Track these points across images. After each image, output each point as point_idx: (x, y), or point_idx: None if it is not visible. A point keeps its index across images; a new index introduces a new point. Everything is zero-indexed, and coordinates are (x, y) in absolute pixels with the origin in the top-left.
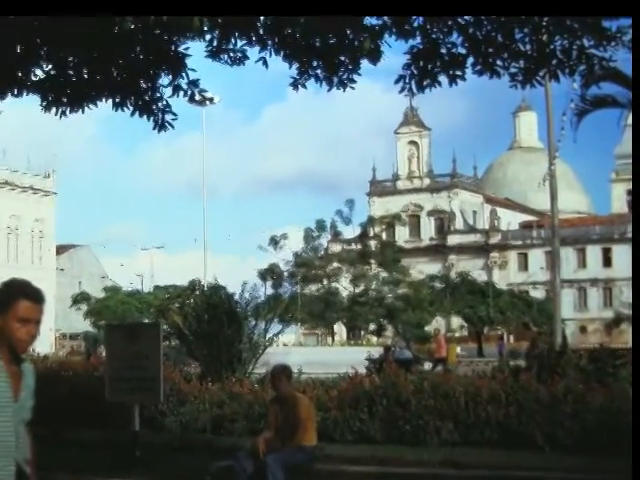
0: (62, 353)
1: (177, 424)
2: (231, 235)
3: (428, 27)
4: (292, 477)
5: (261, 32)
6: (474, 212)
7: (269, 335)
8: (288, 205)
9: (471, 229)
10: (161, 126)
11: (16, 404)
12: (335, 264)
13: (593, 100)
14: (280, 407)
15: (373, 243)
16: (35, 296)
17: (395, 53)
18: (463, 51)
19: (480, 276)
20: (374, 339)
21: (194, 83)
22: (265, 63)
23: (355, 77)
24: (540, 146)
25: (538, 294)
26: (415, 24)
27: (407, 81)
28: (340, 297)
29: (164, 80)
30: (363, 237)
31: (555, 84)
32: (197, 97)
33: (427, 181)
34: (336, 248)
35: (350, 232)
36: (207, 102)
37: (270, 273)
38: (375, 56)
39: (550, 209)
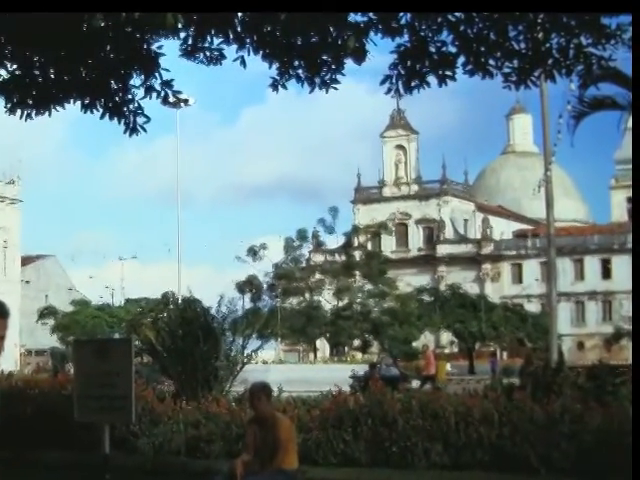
0: (28, 370)
1: (150, 446)
2: (207, 245)
3: (416, 24)
4: None
5: (239, 30)
6: (465, 221)
7: (247, 351)
8: (268, 213)
9: (462, 239)
10: (133, 129)
11: None
12: (317, 276)
13: (591, 102)
14: (259, 428)
15: (358, 254)
16: None
17: (381, 52)
18: (453, 50)
19: (471, 289)
20: (359, 356)
21: (168, 84)
22: (243, 62)
23: (339, 77)
24: (535, 150)
25: (533, 308)
26: (402, 21)
27: (394, 82)
28: (323, 311)
29: (136, 81)
30: (347, 247)
31: (551, 85)
32: (171, 99)
33: (415, 188)
34: (318, 259)
35: (333, 242)
36: (182, 104)
37: (248, 285)
38: (360, 55)
39: (546, 217)
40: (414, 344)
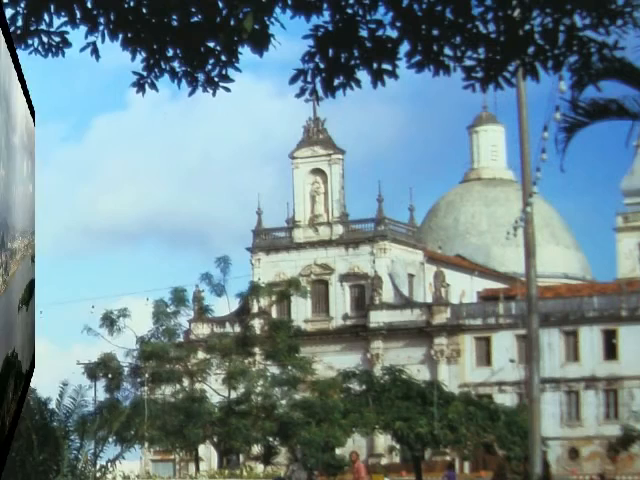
0: None
1: None
2: (43, 311)
3: None
4: None
5: (89, 5)
6: (410, 276)
7: (101, 462)
8: (130, 265)
9: (406, 302)
10: None
11: None
12: (201, 355)
13: (589, 107)
14: None
15: (258, 323)
16: None
17: (291, 37)
18: (394, 34)
19: (419, 373)
20: (259, 468)
21: None
22: (95, 52)
23: (231, 73)
24: (509, 177)
25: (507, 400)
26: None
27: (309, 79)
28: (208, 405)
29: None
30: (243, 314)
31: (532, 83)
32: None
33: (340, 230)
34: (202, 331)
35: (223, 307)
36: None
37: (103, 368)
38: (261, 41)
39: (525, 272)
40: (338, 451)
